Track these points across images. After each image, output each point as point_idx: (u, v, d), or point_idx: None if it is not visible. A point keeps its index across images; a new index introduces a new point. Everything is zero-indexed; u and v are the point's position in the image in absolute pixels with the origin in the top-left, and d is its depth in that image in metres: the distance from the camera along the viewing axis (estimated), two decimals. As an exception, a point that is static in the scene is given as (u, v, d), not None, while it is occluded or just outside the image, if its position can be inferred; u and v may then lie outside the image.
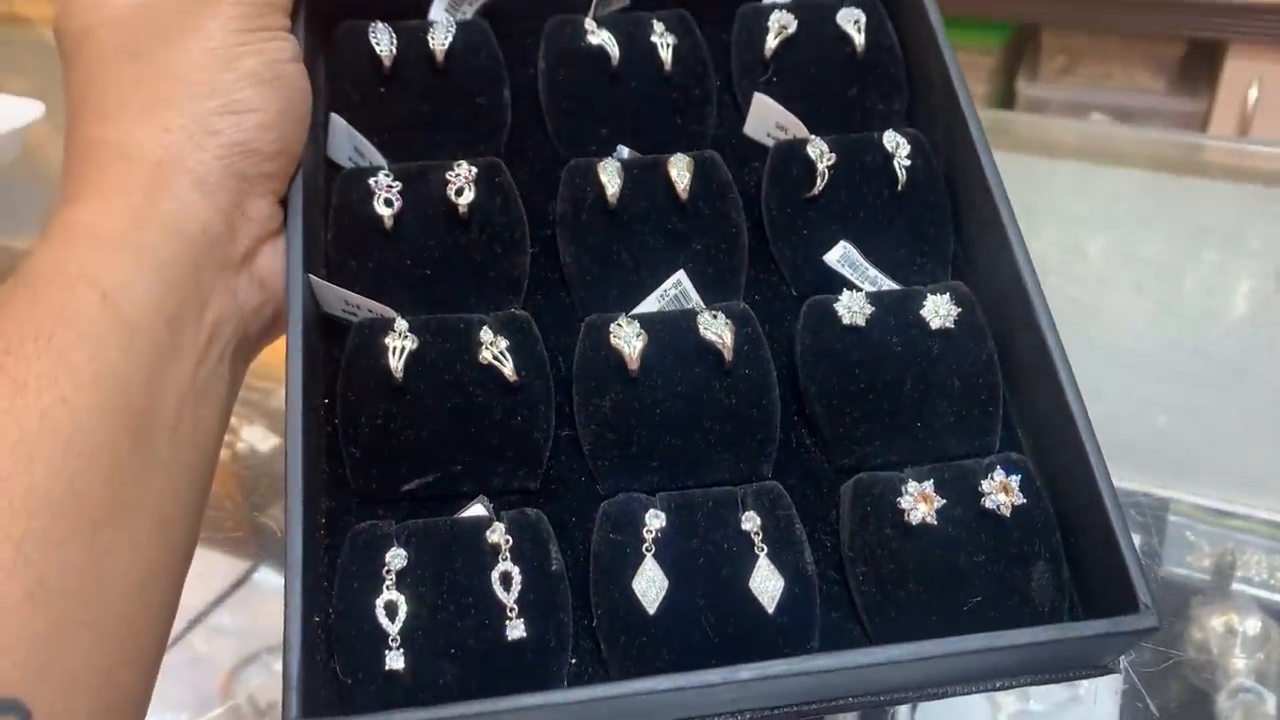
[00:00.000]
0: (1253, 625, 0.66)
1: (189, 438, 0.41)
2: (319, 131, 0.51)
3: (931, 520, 0.43)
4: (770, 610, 0.42)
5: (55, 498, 0.35)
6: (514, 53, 0.55)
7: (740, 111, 0.56)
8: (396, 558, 0.41)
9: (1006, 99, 1.80)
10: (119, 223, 0.40)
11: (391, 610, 0.41)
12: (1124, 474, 0.73)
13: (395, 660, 0.40)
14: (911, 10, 0.56)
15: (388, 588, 0.41)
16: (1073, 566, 0.44)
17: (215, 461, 0.44)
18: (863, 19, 0.56)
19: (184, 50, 0.42)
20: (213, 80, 0.42)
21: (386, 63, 0.52)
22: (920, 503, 0.43)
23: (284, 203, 0.47)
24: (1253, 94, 1.55)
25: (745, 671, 0.38)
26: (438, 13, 0.55)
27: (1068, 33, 1.70)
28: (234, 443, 0.71)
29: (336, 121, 0.51)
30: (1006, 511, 0.43)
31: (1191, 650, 0.66)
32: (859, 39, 0.55)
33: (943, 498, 0.43)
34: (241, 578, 0.57)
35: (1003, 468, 0.44)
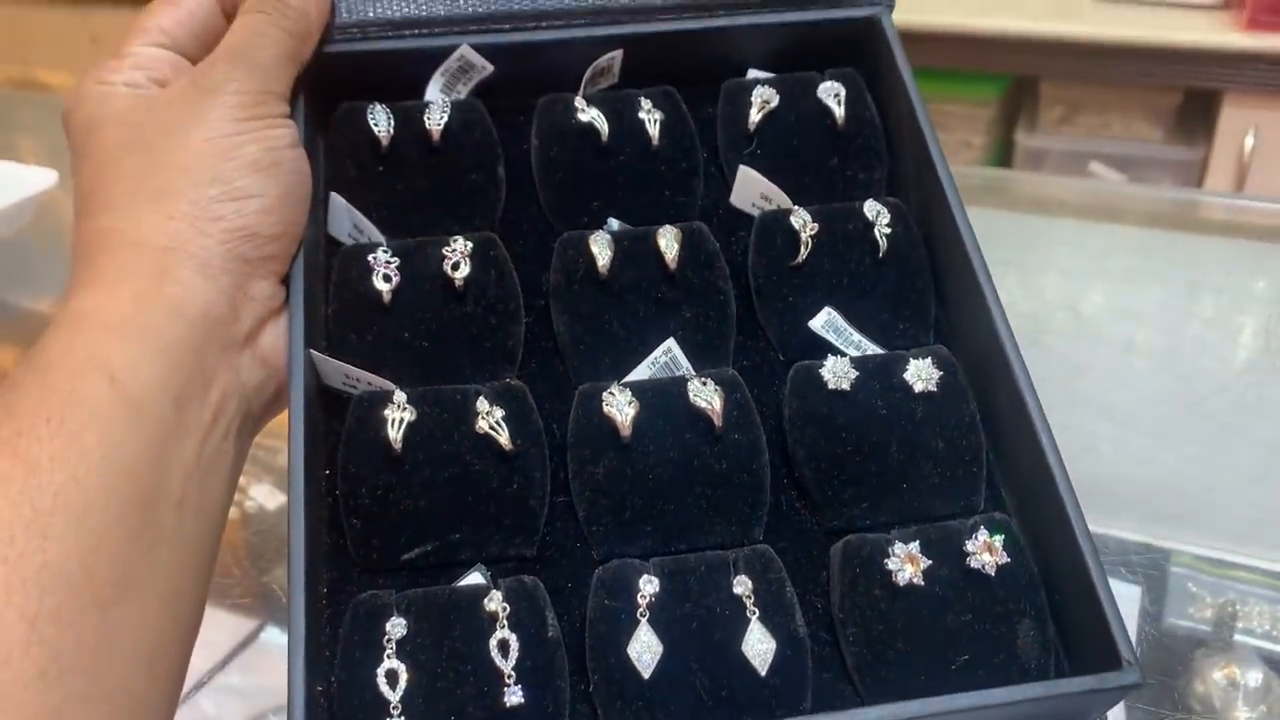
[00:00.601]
0: (1254, 678, 0.66)
1: (195, 513, 0.42)
2: (319, 209, 0.53)
3: (919, 581, 0.44)
4: (763, 673, 0.43)
5: (68, 575, 0.36)
6: (507, 130, 0.58)
7: (726, 183, 0.58)
8: (397, 627, 0.42)
9: (1005, 149, 1.84)
10: (125, 308, 0.42)
11: (392, 679, 0.42)
12: (1124, 525, 0.74)
13: (396, 728, 0.41)
14: (890, 81, 0.58)
15: (388, 656, 0.42)
16: (1058, 623, 0.45)
17: (220, 535, 0.45)
18: (842, 92, 0.58)
19: (186, 141, 0.44)
20: (214, 169, 0.44)
21: (384, 142, 0.55)
22: (907, 564, 0.44)
23: (285, 281, 0.48)
24: (1249, 142, 1.59)
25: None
26: (433, 93, 0.57)
27: (1065, 84, 1.74)
28: (242, 501, 0.72)
29: (336, 200, 0.53)
30: (991, 571, 0.45)
31: (1196, 704, 0.66)
32: (839, 111, 0.58)
33: (929, 558, 0.45)
34: (249, 638, 0.58)
35: (987, 527, 0.45)
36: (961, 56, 1.63)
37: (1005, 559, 0.45)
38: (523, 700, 0.42)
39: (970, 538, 0.45)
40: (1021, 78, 1.79)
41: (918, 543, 0.45)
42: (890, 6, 0.60)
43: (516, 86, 0.58)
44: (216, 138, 0.45)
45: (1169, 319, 0.95)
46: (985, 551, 0.45)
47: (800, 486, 0.49)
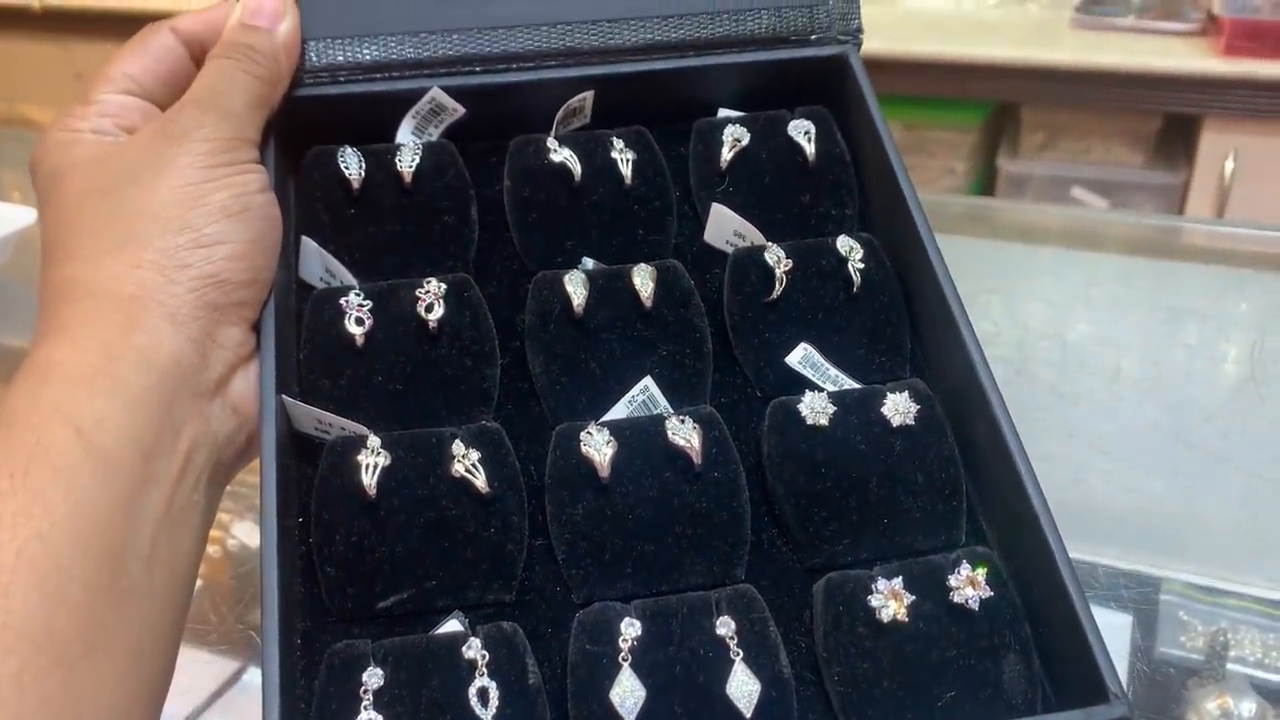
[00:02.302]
0: (1247, 708, 0.66)
1: (164, 566, 0.42)
2: (290, 254, 0.54)
3: (903, 618, 0.44)
4: (748, 715, 0.43)
5: (31, 634, 0.36)
6: (480, 171, 0.58)
7: (700, 220, 0.59)
8: (373, 677, 0.42)
9: (988, 175, 1.87)
10: (92, 359, 0.42)
11: (369, 731, 0.41)
12: (1113, 554, 0.75)
13: (374, 783, 0.41)
14: (859, 117, 0.59)
15: (365, 708, 0.42)
16: (1043, 657, 0.46)
17: (192, 588, 0.45)
18: (813, 129, 0.59)
19: (154, 188, 0.45)
20: (182, 217, 0.44)
21: (355, 185, 0.55)
22: (891, 600, 0.44)
23: (256, 328, 0.48)
24: (1229, 166, 1.62)
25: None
26: (404, 135, 0.58)
27: (1046, 110, 1.78)
28: (224, 539, 0.72)
29: (307, 244, 0.54)
30: (975, 605, 0.45)
31: None
32: (809, 148, 0.59)
33: (912, 594, 0.45)
34: (229, 680, 0.57)
35: (969, 561, 0.46)
36: (943, 84, 1.66)
37: (989, 593, 0.45)
38: (503, 751, 0.41)
39: (953, 572, 0.45)
40: (1003, 104, 1.83)
41: (900, 578, 0.45)
42: (858, 44, 0.61)
43: (488, 128, 0.59)
44: (185, 185, 0.45)
45: (1154, 347, 0.96)
46: (969, 585, 0.45)
47: (781, 524, 0.49)
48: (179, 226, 0.44)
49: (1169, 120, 1.73)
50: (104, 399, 0.41)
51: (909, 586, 0.45)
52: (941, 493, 0.49)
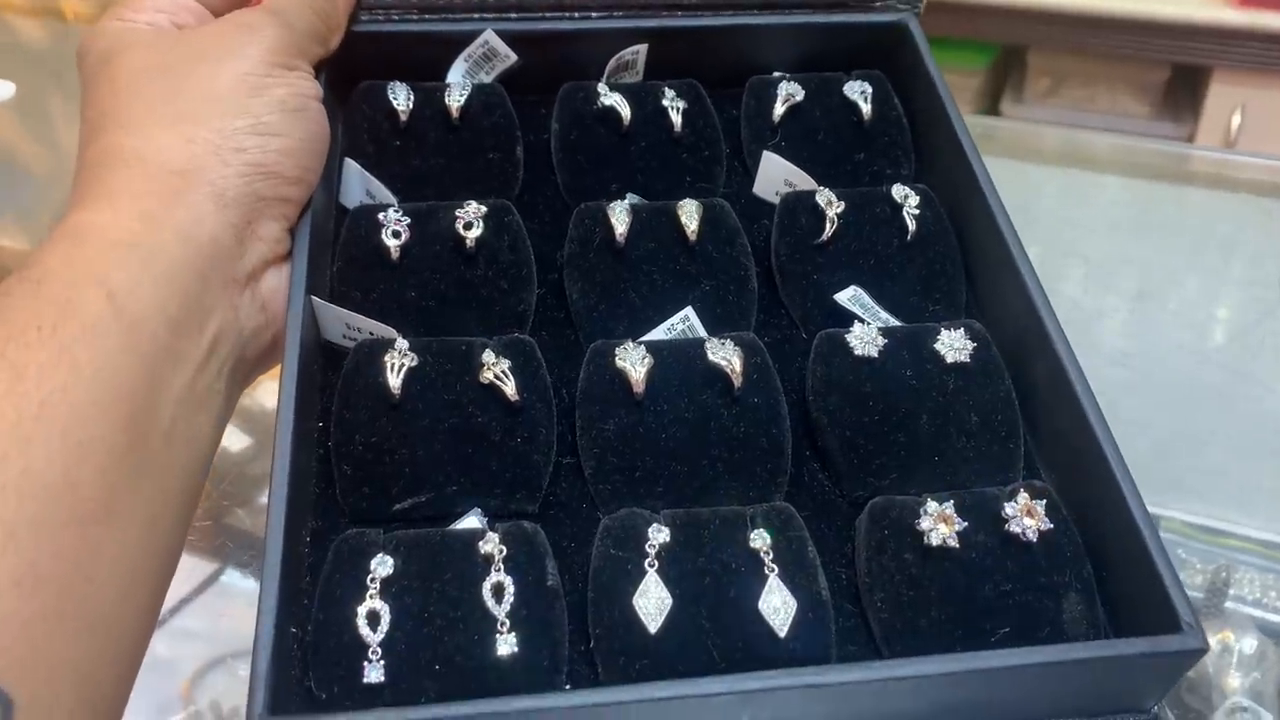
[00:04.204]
0: (1249, 644, 0.65)
1: (183, 444, 0.41)
2: (333, 178, 0.54)
3: (953, 543, 0.42)
4: (782, 634, 0.40)
5: (49, 485, 0.35)
6: (528, 118, 0.59)
7: (750, 177, 0.58)
8: (382, 565, 0.40)
9: (991, 120, 1.85)
10: (131, 225, 0.42)
11: (374, 620, 0.39)
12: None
13: (374, 673, 0.38)
14: (918, 83, 0.59)
15: (371, 596, 0.40)
16: (1105, 602, 0.43)
17: (206, 472, 0.43)
18: (869, 90, 0.59)
19: (217, 72, 0.45)
20: (243, 102, 0.45)
21: (403, 117, 0.56)
22: (940, 523, 0.42)
23: (293, 232, 0.48)
24: (1235, 120, 1.58)
25: (752, 681, 0.36)
26: (455, 77, 0.59)
27: (1054, 55, 1.75)
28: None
29: (350, 165, 0.54)
30: (1033, 536, 0.42)
31: (1190, 671, 0.64)
32: (865, 108, 0.58)
33: (964, 520, 0.42)
34: (207, 580, 0.55)
35: (1026, 491, 0.43)
36: (952, 24, 1.65)
37: (1047, 524, 0.43)
38: (516, 650, 0.39)
39: (1009, 501, 0.43)
40: (1010, 48, 1.80)
41: (951, 503, 0.43)
42: (917, 12, 0.61)
43: (540, 80, 0.59)
44: (249, 73, 0.46)
45: (1178, 269, 0.94)
46: (1026, 515, 0.42)
47: (824, 456, 0.47)
48: (239, 110, 0.45)
49: (1177, 71, 1.69)
50: (139, 267, 0.41)
51: (961, 514, 0.42)
52: (998, 434, 0.47)
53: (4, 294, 0.39)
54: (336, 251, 0.51)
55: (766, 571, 0.41)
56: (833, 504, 0.46)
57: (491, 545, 0.41)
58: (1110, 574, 0.43)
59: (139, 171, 0.43)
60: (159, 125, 0.44)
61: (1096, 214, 0.97)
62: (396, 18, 0.58)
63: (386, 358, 0.45)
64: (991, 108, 1.81)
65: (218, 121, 0.44)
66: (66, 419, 0.36)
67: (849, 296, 0.51)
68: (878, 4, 0.61)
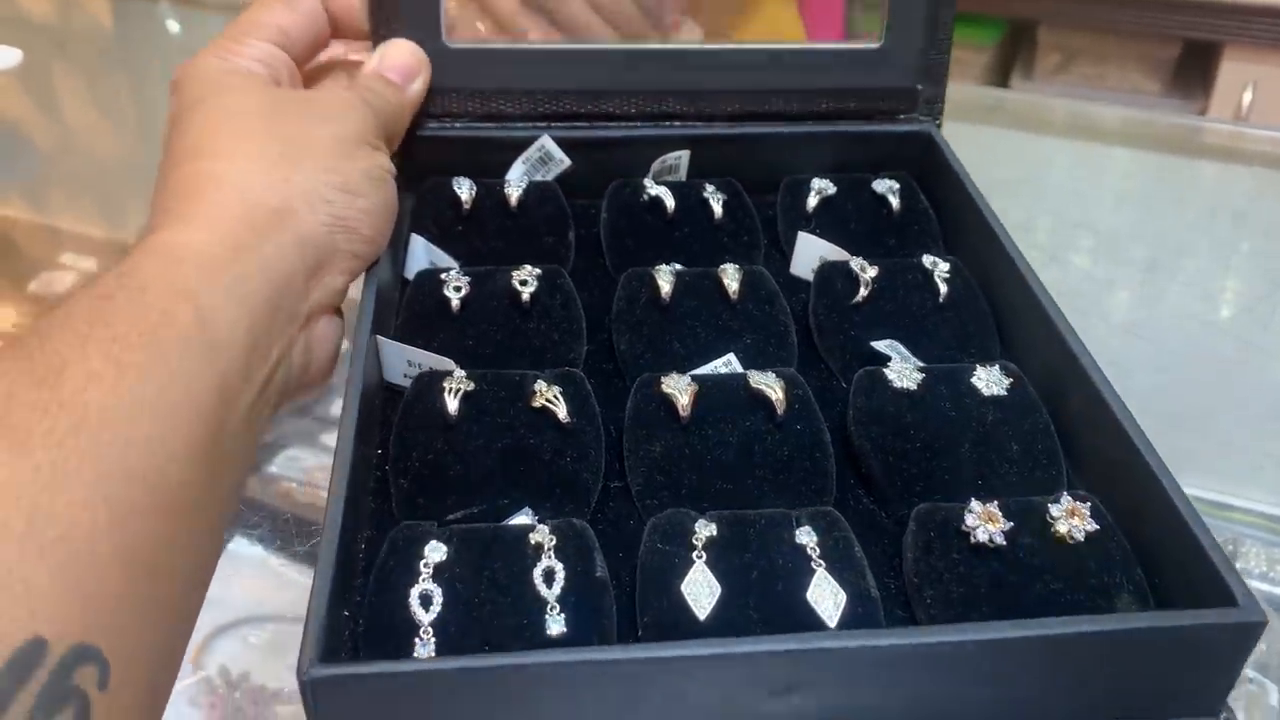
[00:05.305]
0: None
1: (240, 459, 0.44)
2: (399, 253, 0.59)
3: (1000, 540, 0.42)
4: (832, 625, 0.40)
5: (145, 474, 0.37)
6: (580, 216, 0.64)
7: (786, 262, 0.63)
8: (435, 552, 0.42)
9: (998, 99, 1.83)
10: (224, 252, 0.45)
11: (426, 601, 0.40)
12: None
13: (425, 651, 0.39)
14: (945, 181, 0.64)
15: (423, 580, 0.41)
16: (1159, 606, 0.42)
17: (241, 494, 0.45)
18: (897, 187, 0.64)
19: (317, 131, 0.51)
20: (335, 162, 0.50)
21: (466, 205, 0.61)
22: (986, 521, 0.43)
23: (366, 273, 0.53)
24: (1247, 97, 1.56)
25: (792, 642, 0.36)
26: (513, 176, 0.65)
27: (1064, 31, 1.74)
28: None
29: (416, 239, 0.59)
30: (1080, 536, 0.43)
31: None
32: (895, 201, 0.63)
33: (1010, 521, 0.43)
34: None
35: (1070, 497, 0.44)
36: None
37: (1093, 525, 0.43)
38: (565, 630, 0.39)
39: (1055, 502, 0.44)
40: (1019, 23, 1.79)
41: (996, 503, 0.43)
42: (939, 124, 0.67)
43: (590, 181, 0.65)
44: (344, 138, 0.51)
45: (1189, 241, 0.94)
46: (1071, 516, 0.43)
47: (867, 482, 0.48)
48: (331, 168, 0.50)
49: (1188, 47, 1.68)
50: (223, 293, 0.44)
51: (1006, 516, 0.43)
52: (1039, 460, 0.48)
53: (107, 296, 0.42)
54: (400, 309, 0.55)
55: (814, 566, 0.42)
56: (878, 523, 0.47)
57: (542, 535, 0.42)
58: (1163, 579, 0.43)
59: (235, 200, 0.47)
60: (260, 162, 0.48)
61: (1107, 186, 1.00)
62: (460, 125, 0.64)
63: (445, 383, 0.48)
64: (1000, 85, 1.81)
65: (312, 173, 0.49)
66: (161, 416, 0.39)
67: (885, 344, 0.54)
68: (901, 116, 0.67)
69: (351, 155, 0.51)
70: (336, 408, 0.53)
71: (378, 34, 0.61)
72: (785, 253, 0.63)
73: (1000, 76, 1.85)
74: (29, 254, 0.98)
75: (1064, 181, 1.00)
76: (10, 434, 0.34)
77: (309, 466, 0.66)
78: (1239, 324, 0.82)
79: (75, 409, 0.35)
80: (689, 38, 0.69)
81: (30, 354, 0.36)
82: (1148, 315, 0.82)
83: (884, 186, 0.64)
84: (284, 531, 0.61)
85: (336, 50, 0.62)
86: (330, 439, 0.67)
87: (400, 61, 0.61)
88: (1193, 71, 1.76)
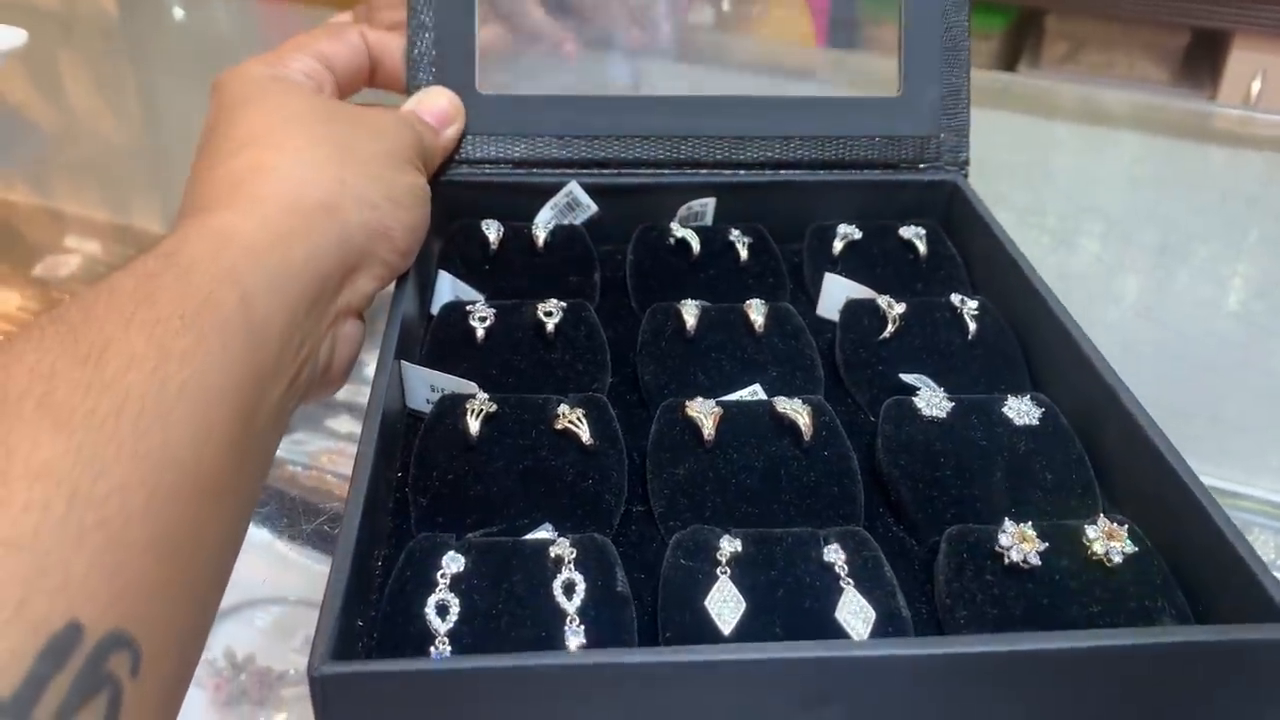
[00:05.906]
0: None
1: (267, 449, 0.43)
2: (428, 288, 0.60)
3: (1034, 560, 0.41)
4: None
5: (182, 459, 0.37)
6: (606, 260, 0.65)
7: (813, 305, 0.63)
8: (453, 562, 0.41)
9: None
10: (271, 240, 0.45)
11: (442, 610, 0.39)
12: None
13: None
14: (972, 228, 0.64)
15: (440, 590, 0.40)
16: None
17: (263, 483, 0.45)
18: (923, 233, 0.64)
19: (367, 142, 0.52)
20: (383, 171, 0.52)
21: (493, 246, 0.62)
22: (1020, 541, 0.42)
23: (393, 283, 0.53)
24: (1256, 86, 1.54)
25: (822, 649, 0.35)
26: (542, 219, 0.66)
27: (1072, 19, 1.71)
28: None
29: (443, 275, 0.59)
30: (1118, 559, 0.41)
31: None
32: (922, 246, 0.64)
33: (1044, 542, 0.42)
34: None
35: (1106, 517, 0.43)
36: None
37: (1132, 548, 0.42)
38: (585, 642, 0.38)
39: (1091, 524, 0.42)
40: (1027, 10, 1.76)
41: (1030, 523, 0.42)
42: (965, 174, 0.68)
43: (616, 227, 0.66)
44: (391, 153, 0.53)
45: (1199, 227, 0.93)
46: (1108, 537, 0.42)
47: (896, 510, 0.47)
48: (378, 177, 0.51)
49: (1197, 35, 1.65)
50: (266, 281, 0.44)
51: (1040, 537, 0.42)
52: (1073, 490, 0.47)
53: (152, 275, 0.41)
54: (425, 339, 0.55)
55: (843, 585, 0.41)
56: (907, 550, 0.46)
57: (562, 548, 0.41)
58: (1205, 605, 0.41)
59: (286, 191, 0.47)
60: (315, 159, 0.49)
61: (1117, 170, 0.99)
62: (490, 170, 0.66)
63: (467, 404, 0.48)
64: (1007, 72, 1.77)
65: (363, 178, 0.50)
66: (200, 401, 0.38)
67: (914, 378, 0.54)
68: (923, 166, 0.68)
69: (399, 169, 0.53)
70: (343, 392, 0.53)
71: (414, 80, 0.63)
72: (811, 296, 0.63)
73: (1007, 64, 1.83)
74: (33, 238, 0.98)
75: (1073, 166, 1.00)
76: (54, 412, 0.34)
77: (313, 450, 0.66)
78: (1249, 309, 0.82)
79: (118, 391, 0.35)
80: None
81: (74, 329, 0.36)
82: (1158, 299, 0.82)
83: (910, 232, 0.64)
84: (290, 514, 0.60)
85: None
86: (335, 423, 0.67)
87: (437, 107, 0.62)
88: (1201, 60, 1.75)
